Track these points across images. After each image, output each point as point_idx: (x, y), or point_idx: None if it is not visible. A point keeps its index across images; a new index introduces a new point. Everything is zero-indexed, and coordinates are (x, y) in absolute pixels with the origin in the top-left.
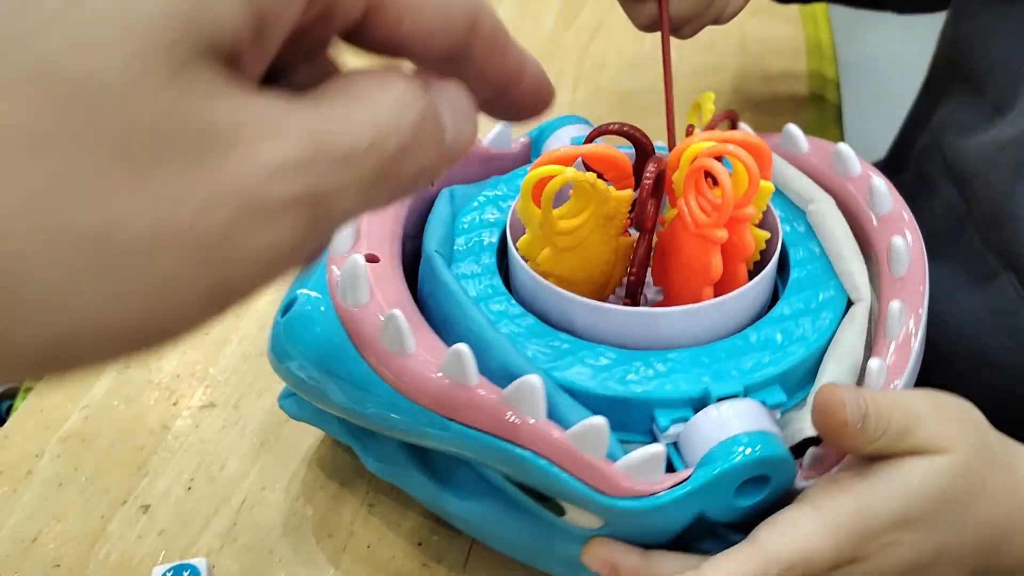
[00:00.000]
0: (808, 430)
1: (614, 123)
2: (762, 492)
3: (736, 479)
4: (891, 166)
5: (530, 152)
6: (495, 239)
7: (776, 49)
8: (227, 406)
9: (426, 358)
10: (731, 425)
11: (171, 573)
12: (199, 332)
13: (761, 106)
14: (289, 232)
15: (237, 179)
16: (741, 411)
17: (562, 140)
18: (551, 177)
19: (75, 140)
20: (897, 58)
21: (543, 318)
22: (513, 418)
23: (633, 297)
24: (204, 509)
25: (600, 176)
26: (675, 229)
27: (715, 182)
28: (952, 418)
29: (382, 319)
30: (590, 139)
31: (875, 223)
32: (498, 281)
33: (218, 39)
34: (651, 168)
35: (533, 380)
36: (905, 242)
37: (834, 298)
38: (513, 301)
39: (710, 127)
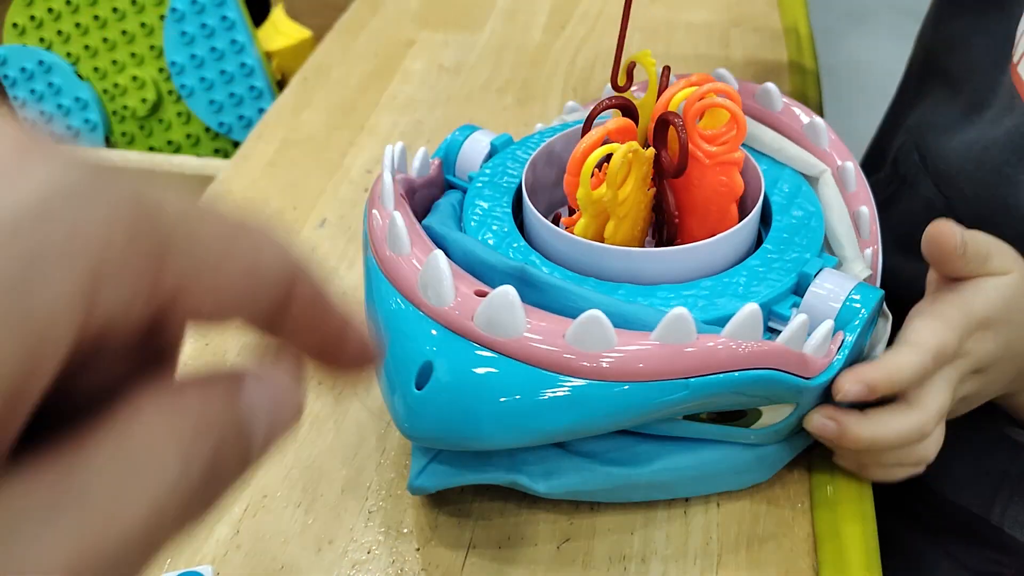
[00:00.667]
0: (861, 274)
1: (605, 99)
2: (871, 328)
3: (873, 320)
4: (868, 166)
5: (442, 170)
6: (519, 243)
7: (759, 58)
8: None
9: (633, 341)
10: (840, 288)
11: None
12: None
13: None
14: None
15: None
16: (833, 278)
17: (476, 149)
18: (611, 154)
19: None
20: (877, 63)
21: (632, 281)
22: (743, 348)
23: (674, 238)
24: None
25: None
26: (688, 173)
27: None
28: (1007, 250)
29: (570, 327)
30: (592, 116)
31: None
32: (564, 270)
33: None
34: (677, 122)
35: (752, 307)
36: (817, 120)
37: (795, 177)
38: (598, 279)
39: (662, 86)
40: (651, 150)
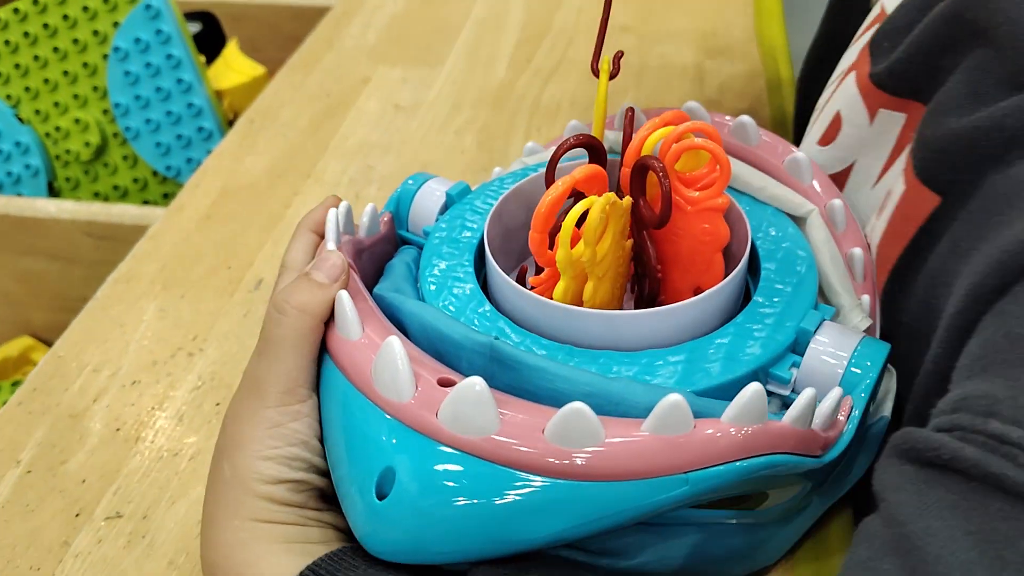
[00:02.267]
0: (861, 325)
1: (571, 137)
2: (879, 382)
3: (879, 380)
4: None
5: (394, 224)
6: (485, 308)
7: (735, 87)
8: (135, 517)
9: (622, 434)
10: (844, 345)
11: None
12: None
13: None
14: None
15: None
16: (835, 333)
17: (431, 200)
18: (587, 209)
19: None
20: None
21: (615, 348)
22: (748, 434)
23: (642, 295)
24: None
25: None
26: (670, 222)
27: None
28: None
29: (551, 422)
30: (555, 159)
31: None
32: (546, 340)
33: None
34: (658, 168)
35: (756, 387)
36: (801, 157)
37: (781, 217)
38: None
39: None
40: (628, 200)
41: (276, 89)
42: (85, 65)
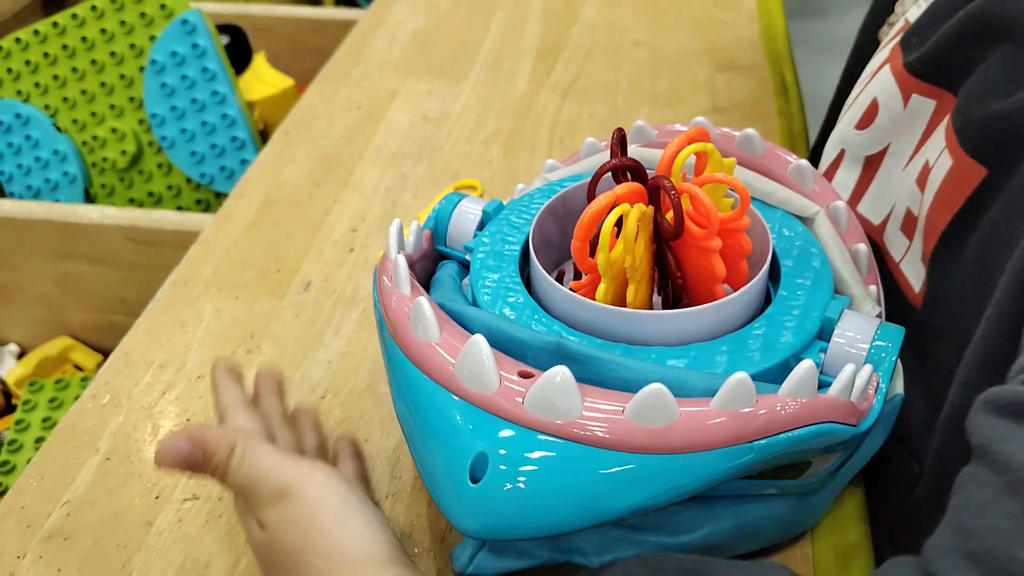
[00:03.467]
0: (872, 312)
1: (613, 160)
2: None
3: (896, 358)
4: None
5: (433, 241)
6: (540, 315)
7: (742, 94)
8: (211, 499)
9: (695, 411)
10: (865, 330)
11: None
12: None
13: None
14: None
15: None
16: (855, 320)
17: (468, 218)
18: (625, 216)
19: None
20: None
21: (665, 343)
22: (802, 405)
23: (667, 298)
24: None
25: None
26: (682, 241)
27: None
28: None
29: (634, 403)
30: (599, 175)
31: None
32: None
33: None
34: (668, 187)
35: (807, 364)
36: (802, 163)
37: (790, 219)
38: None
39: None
40: (651, 209)
41: (309, 102)
42: (122, 77)
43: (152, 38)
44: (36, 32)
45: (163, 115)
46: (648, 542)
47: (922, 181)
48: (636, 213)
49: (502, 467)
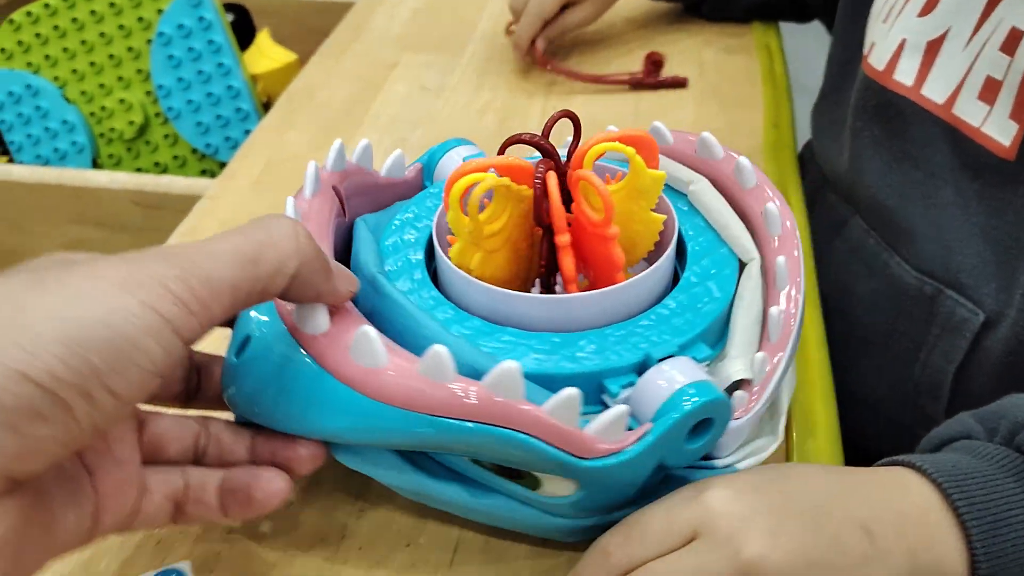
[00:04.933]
0: (735, 375)
1: (524, 133)
2: (708, 433)
3: (689, 423)
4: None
5: (423, 177)
6: (420, 255)
7: (732, 78)
8: None
9: (403, 365)
10: (676, 379)
11: None
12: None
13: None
14: None
15: None
16: (681, 367)
17: (455, 161)
18: (474, 185)
19: None
20: None
21: (486, 318)
22: (504, 403)
23: (547, 287)
24: None
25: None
26: (579, 227)
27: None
28: None
29: (351, 339)
30: (502, 149)
31: (743, 195)
32: (436, 292)
33: None
34: (540, 169)
35: (511, 365)
36: (775, 206)
37: (728, 260)
38: (458, 309)
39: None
40: (529, 191)
41: (309, 73)
42: (130, 49)
43: (159, 11)
44: (47, 5)
45: (169, 86)
46: (393, 463)
47: (1010, 47)
48: (492, 182)
49: (254, 348)
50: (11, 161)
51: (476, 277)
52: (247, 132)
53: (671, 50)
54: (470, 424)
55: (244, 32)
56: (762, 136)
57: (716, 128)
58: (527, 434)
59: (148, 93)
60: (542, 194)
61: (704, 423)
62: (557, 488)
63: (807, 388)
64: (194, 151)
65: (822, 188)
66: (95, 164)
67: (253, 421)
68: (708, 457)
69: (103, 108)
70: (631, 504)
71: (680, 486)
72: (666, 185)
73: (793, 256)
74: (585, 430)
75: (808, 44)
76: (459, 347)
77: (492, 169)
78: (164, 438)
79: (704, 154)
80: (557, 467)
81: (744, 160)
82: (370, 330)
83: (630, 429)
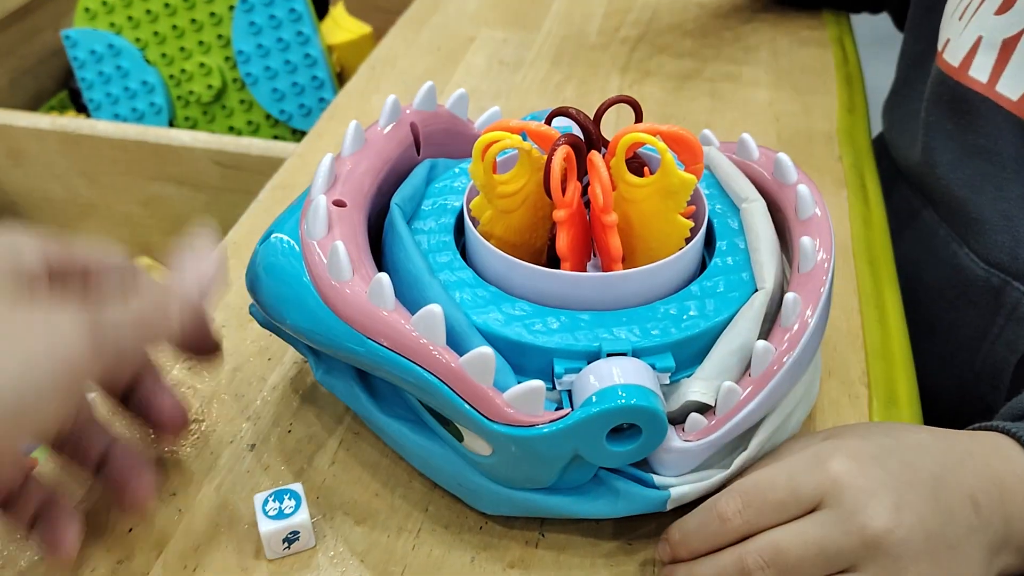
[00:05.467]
0: (693, 394)
1: (571, 108)
2: (633, 442)
3: (608, 422)
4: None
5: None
6: (459, 204)
7: (807, 66)
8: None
9: (360, 286)
10: (611, 377)
11: (272, 497)
12: None
13: (795, 115)
14: None
15: None
16: (625, 367)
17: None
18: (496, 142)
19: None
20: None
21: (480, 274)
22: (419, 341)
23: (551, 262)
24: (306, 448)
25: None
26: (594, 212)
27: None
28: None
29: (329, 263)
30: (549, 119)
31: (796, 225)
32: (450, 239)
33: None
34: (558, 142)
35: (435, 309)
36: (812, 242)
37: (744, 285)
38: (458, 257)
39: (604, 107)
40: (543, 157)
41: (390, 43)
42: (212, 15)
43: None
44: None
45: (249, 52)
46: (355, 393)
47: None
48: (511, 142)
49: (272, 242)
50: (89, 118)
51: (483, 233)
52: (321, 100)
53: (748, 39)
54: (392, 354)
55: (320, 3)
56: (837, 120)
57: (791, 112)
58: (439, 378)
59: (227, 58)
60: (548, 169)
61: (632, 429)
62: (476, 446)
63: (888, 359)
64: (268, 117)
65: (895, 179)
66: (171, 126)
67: (256, 300)
68: (647, 468)
69: (182, 71)
70: (552, 489)
71: (611, 488)
72: (721, 194)
73: (814, 292)
74: (502, 395)
75: (873, 46)
76: (432, 289)
77: (525, 134)
78: None
79: (778, 175)
80: (469, 422)
81: (804, 189)
82: (339, 245)
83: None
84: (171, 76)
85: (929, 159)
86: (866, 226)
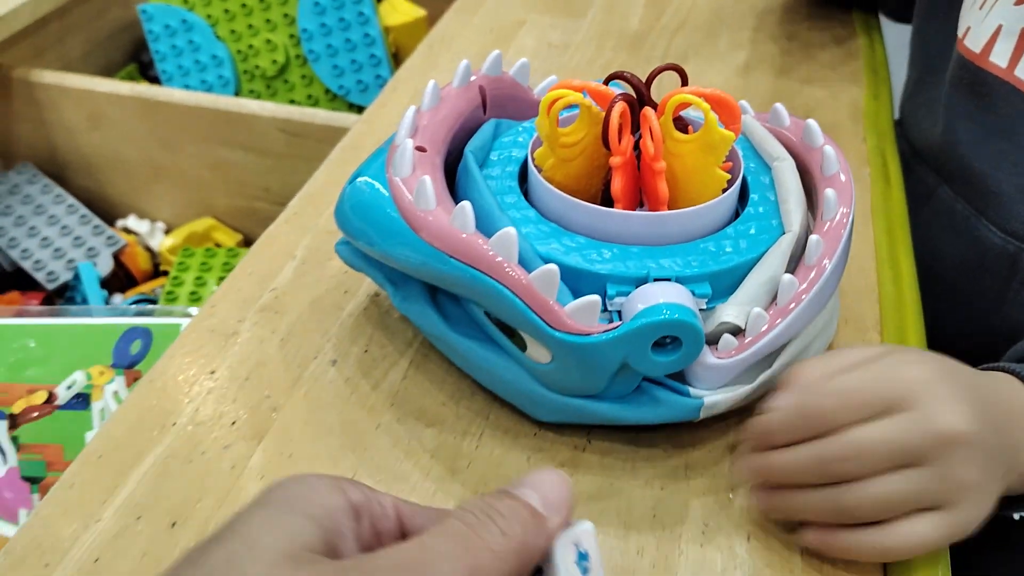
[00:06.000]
0: (727, 316)
1: (626, 72)
2: (675, 354)
3: (653, 333)
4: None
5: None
6: (522, 155)
7: (835, 55)
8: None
9: (442, 215)
10: (657, 297)
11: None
12: None
13: (823, 100)
14: None
15: None
16: (668, 290)
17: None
18: (561, 98)
19: None
20: None
21: (542, 213)
22: (495, 259)
23: (605, 204)
24: (382, 365)
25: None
26: (644, 161)
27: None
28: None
29: (416, 184)
30: (606, 81)
31: (821, 182)
32: (515, 184)
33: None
34: (616, 99)
35: (511, 231)
36: (835, 193)
37: (773, 230)
38: (521, 197)
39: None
40: (601, 113)
41: (446, 25)
42: None
43: None
44: None
45: (312, 31)
46: (428, 314)
47: None
48: (573, 97)
49: (359, 184)
50: None
51: (546, 178)
52: (377, 77)
53: (783, 32)
54: (473, 270)
55: None
56: (863, 105)
57: (819, 97)
58: (511, 291)
59: (292, 36)
60: (608, 121)
61: (674, 342)
62: (538, 354)
63: (900, 311)
64: (327, 91)
65: (911, 163)
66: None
67: (348, 233)
68: (683, 381)
69: (250, 47)
70: (601, 397)
71: (652, 396)
72: (755, 155)
73: (835, 237)
74: (563, 307)
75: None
76: (501, 221)
77: (586, 92)
78: None
79: (807, 139)
80: (534, 331)
81: (830, 149)
82: (427, 179)
83: None
84: (239, 51)
85: (951, 138)
86: (885, 200)
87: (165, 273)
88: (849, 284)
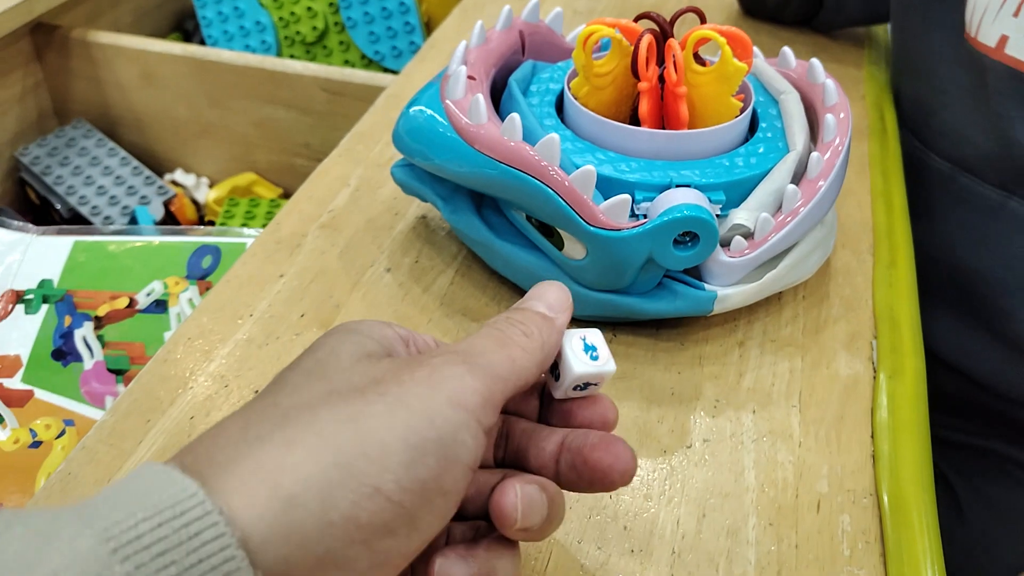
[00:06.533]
0: (739, 218)
1: (652, 11)
2: (693, 249)
3: (675, 228)
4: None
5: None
6: (558, 87)
7: (839, 58)
8: (439, 217)
9: (493, 128)
10: (679, 199)
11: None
12: None
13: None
14: None
15: None
16: (687, 194)
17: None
18: (596, 33)
19: None
20: None
21: (577, 133)
22: (541, 163)
23: (634, 124)
24: (430, 272)
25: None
26: (667, 87)
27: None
28: None
29: (469, 104)
30: (635, 20)
31: (822, 110)
32: (552, 110)
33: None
34: (644, 33)
35: (554, 136)
36: (834, 118)
37: (779, 150)
38: (559, 121)
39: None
40: (629, 47)
41: None
42: None
43: None
44: None
45: None
46: (474, 224)
47: None
48: (605, 31)
49: (411, 106)
50: None
51: (582, 104)
52: (411, 43)
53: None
54: (520, 172)
55: None
56: (864, 68)
57: (822, 58)
58: (554, 191)
59: (331, 4)
60: (638, 53)
61: (692, 238)
62: (574, 251)
63: (891, 237)
64: (363, 57)
65: (949, 180)
66: None
67: (405, 152)
68: (699, 278)
69: (291, 13)
70: (627, 292)
71: (671, 290)
72: (764, 91)
73: (834, 155)
74: (597, 206)
75: None
76: (540, 134)
77: (617, 29)
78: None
79: (810, 76)
80: (572, 227)
81: (830, 83)
82: (479, 97)
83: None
84: (280, 18)
85: (1010, 143)
86: (883, 148)
87: (211, 223)
88: (847, 216)
